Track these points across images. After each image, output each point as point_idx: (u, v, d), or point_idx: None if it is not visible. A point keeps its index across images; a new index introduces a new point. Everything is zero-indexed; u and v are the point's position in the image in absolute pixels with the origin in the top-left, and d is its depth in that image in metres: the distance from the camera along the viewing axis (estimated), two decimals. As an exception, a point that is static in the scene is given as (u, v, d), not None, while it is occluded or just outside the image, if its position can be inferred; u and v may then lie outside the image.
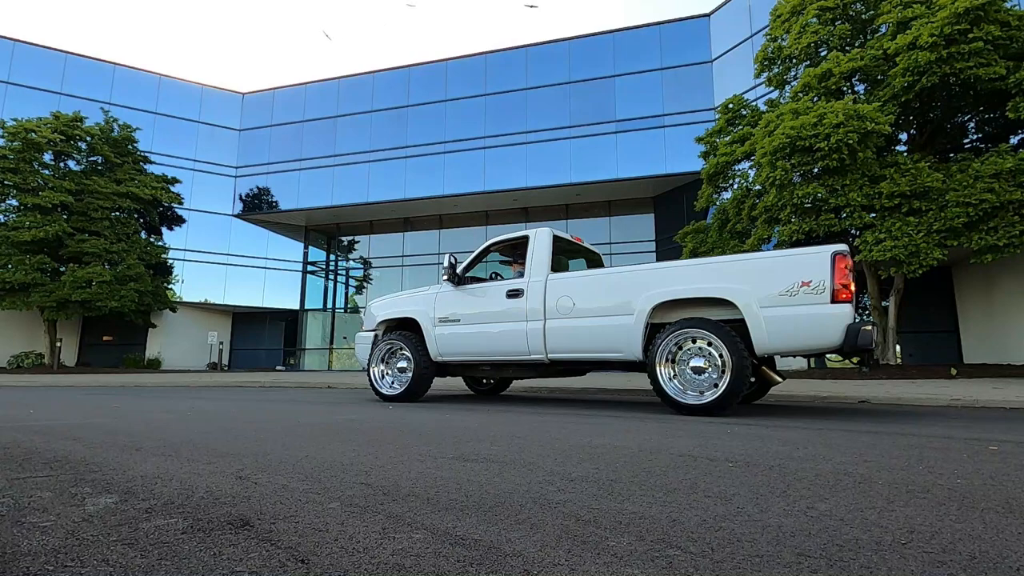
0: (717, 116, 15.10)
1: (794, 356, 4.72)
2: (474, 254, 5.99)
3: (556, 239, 5.60)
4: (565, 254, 6.23)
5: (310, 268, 26.59)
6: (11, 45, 21.98)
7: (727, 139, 13.65)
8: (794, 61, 12.76)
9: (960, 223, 9.35)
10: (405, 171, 22.89)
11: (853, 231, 11.20)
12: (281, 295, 25.87)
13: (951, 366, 11.07)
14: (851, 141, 9.44)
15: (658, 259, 20.59)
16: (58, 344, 19.14)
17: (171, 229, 23.60)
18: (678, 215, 19.76)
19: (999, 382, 8.10)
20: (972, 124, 12.31)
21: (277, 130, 25.25)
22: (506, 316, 5.43)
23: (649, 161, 19.92)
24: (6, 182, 18.13)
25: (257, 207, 25.16)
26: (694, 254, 14.06)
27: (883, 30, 11.35)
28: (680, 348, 4.45)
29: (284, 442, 2.97)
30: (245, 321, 26.38)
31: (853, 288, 4.10)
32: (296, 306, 25.99)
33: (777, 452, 2.60)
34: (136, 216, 21.52)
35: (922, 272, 9.71)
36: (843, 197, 9.98)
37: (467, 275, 5.90)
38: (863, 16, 12.04)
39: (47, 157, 19.60)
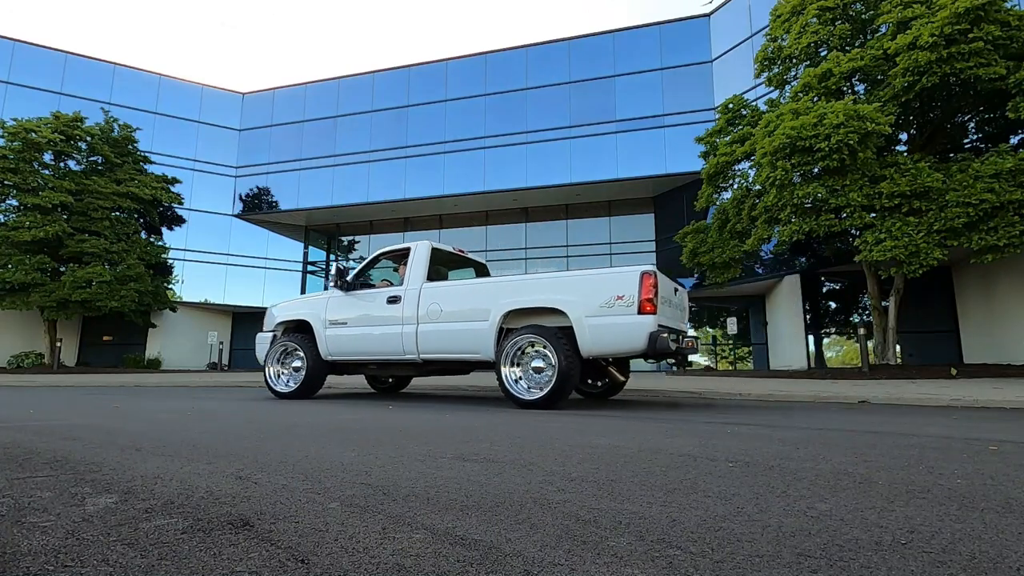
0: (717, 116, 15.09)
1: (610, 358, 5.48)
2: (365, 262, 6.54)
3: (435, 251, 6.16)
4: (445, 265, 6.73)
5: (310, 268, 26.57)
6: (11, 45, 21.97)
7: (727, 139, 13.65)
8: (794, 61, 12.76)
9: (960, 223, 9.35)
10: (405, 171, 22.88)
11: (853, 231, 11.20)
12: (281, 295, 25.80)
13: (951, 366, 11.07)
14: (851, 141, 9.43)
15: (659, 259, 20.63)
16: (58, 344, 19.11)
17: (171, 229, 23.54)
18: (678, 215, 19.75)
19: (999, 382, 8.10)
20: (972, 124, 12.31)
21: (277, 130, 25.24)
22: (386, 320, 5.98)
23: (649, 161, 19.91)
24: (6, 182, 18.08)
25: (257, 207, 25.14)
26: (694, 254, 14.07)
27: (883, 30, 11.34)
28: (523, 352, 5.12)
29: (284, 442, 2.97)
30: (245, 321, 26.34)
31: (657, 302, 4.76)
32: (296, 306, 25.93)
33: (777, 452, 2.60)
34: (136, 216, 21.47)
35: (922, 272, 9.71)
36: (843, 197, 9.98)
37: (359, 281, 6.39)
38: (863, 16, 12.03)
39: (47, 157, 19.55)
